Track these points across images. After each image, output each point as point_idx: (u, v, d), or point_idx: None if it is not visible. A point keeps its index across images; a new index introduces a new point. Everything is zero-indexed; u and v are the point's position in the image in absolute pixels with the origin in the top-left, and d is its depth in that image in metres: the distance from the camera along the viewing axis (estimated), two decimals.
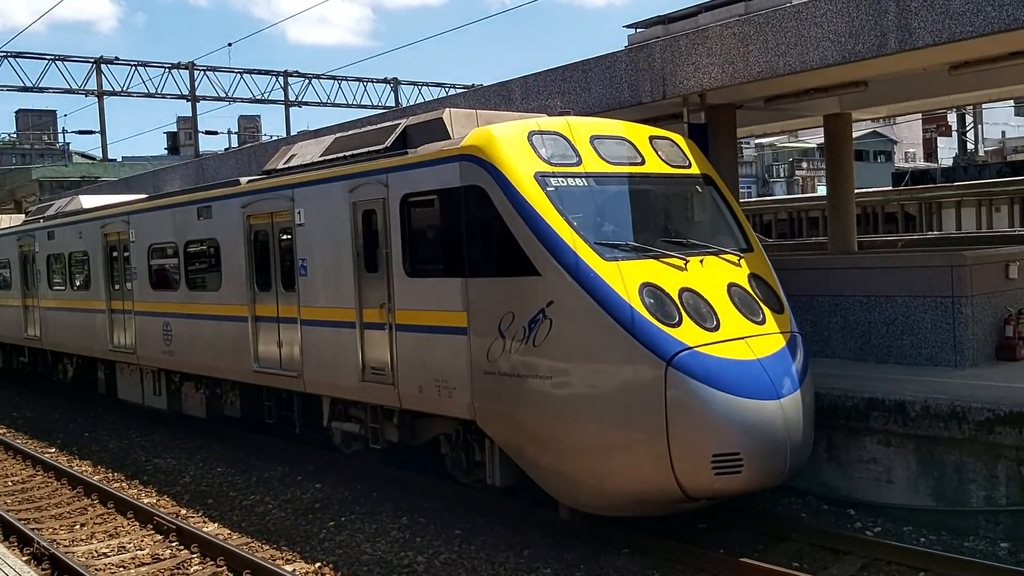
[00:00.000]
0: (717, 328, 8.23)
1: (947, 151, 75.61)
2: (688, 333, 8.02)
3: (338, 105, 39.24)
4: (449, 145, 9.41)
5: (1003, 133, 73.40)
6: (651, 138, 9.84)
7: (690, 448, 7.79)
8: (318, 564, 8.81)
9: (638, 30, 16.00)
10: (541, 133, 9.08)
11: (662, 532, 8.69)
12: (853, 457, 9.70)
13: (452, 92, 40.39)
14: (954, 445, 8.93)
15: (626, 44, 14.22)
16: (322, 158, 11.72)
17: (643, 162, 9.49)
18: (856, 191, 17.92)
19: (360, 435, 11.20)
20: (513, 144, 8.86)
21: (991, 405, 8.69)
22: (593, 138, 9.33)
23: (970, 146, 42.81)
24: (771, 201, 38.45)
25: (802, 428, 8.24)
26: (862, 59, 10.04)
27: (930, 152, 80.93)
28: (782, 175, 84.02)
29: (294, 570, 8.58)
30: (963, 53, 10.50)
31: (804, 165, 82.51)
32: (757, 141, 66.18)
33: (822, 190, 59.75)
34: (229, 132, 52.42)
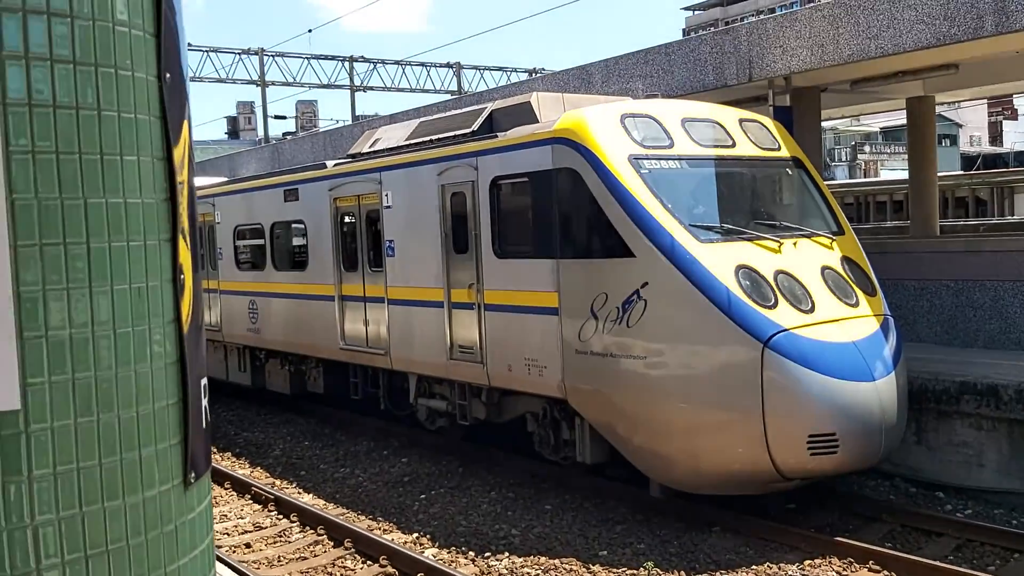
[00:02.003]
0: (812, 310, 8.31)
1: (1013, 135, 73.63)
2: (784, 315, 8.11)
3: (402, 90, 39.54)
4: (540, 128, 9.56)
5: None
6: (741, 121, 9.89)
7: (786, 428, 7.90)
8: (415, 535, 9.10)
9: (696, 12, 15.92)
10: (634, 116, 9.19)
11: (752, 511, 8.80)
12: (943, 440, 9.70)
13: (514, 76, 40.45)
14: None
15: (683, 27, 14.17)
16: (408, 142, 11.96)
17: (734, 145, 9.56)
18: None
19: (446, 412, 11.47)
20: (606, 127, 8.99)
21: None
22: (684, 121, 9.42)
23: None
24: (837, 185, 37.93)
25: (896, 410, 8.30)
26: (957, 42, 9.96)
27: (995, 136, 78.91)
28: (844, 159, 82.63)
29: (393, 540, 8.87)
30: None
31: (866, 149, 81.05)
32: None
33: (884, 174, 58.69)
34: (296, 116, 53.11)
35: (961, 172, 32.79)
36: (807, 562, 7.79)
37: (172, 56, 1.88)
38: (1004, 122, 78.65)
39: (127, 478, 1.60)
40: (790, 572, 7.58)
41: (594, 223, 8.85)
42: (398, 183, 11.53)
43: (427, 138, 11.54)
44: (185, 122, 1.97)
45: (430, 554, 8.57)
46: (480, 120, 10.80)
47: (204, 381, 1.92)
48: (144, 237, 1.74)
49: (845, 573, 7.59)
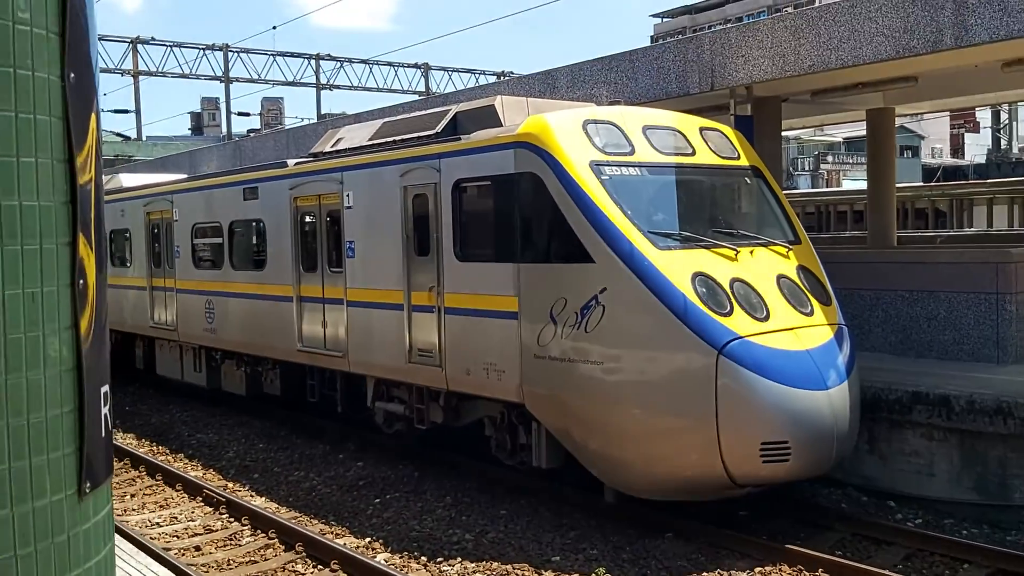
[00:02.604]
0: (767, 318, 8.36)
1: (973, 148, 74.92)
2: (739, 322, 8.15)
3: (369, 89, 39.41)
4: (504, 132, 9.54)
5: None
6: (701, 129, 9.94)
7: (739, 435, 7.93)
8: (368, 539, 9.02)
9: (664, 19, 16.03)
10: (596, 122, 9.20)
11: (705, 518, 8.83)
12: (895, 449, 9.80)
13: (482, 78, 40.47)
14: (999, 440, 9.01)
15: (651, 33, 14.26)
16: (371, 142, 11.87)
17: (694, 153, 9.60)
18: None
19: (403, 415, 11.39)
20: (569, 132, 8.98)
21: None
22: (645, 128, 9.45)
23: (1003, 143, 42.46)
24: (798, 194, 38.34)
25: (848, 419, 8.37)
26: (917, 55, 10.09)
27: (957, 148, 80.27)
28: (807, 168, 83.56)
29: (345, 544, 8.78)
30: (1019, 51, 10.52)
31: (829, 159, 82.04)
32: (783, 134, 65.85)
33: (847, 184, 59.45)
34: (260, 114, 52.76)
35: (921, 184, 33.28)
36: (758, 569, 7.83)
37: (78, 55, 1.81)
38: (966, 135, 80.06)
39: (16, 487, 1.53)
40: None
41: (554, 228, 8.84)
42: (360, 183, 11.44)
43: (390, 139, 11.46)
44: (93, 122, 1.90)
45: (382, 559, 8.49)
46: (444, 122, 10.75)
47: (105, 388, 1.85)
48: (40, 240, 1.67)
49: None
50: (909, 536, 8.56)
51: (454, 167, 9.91)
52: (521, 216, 9.15)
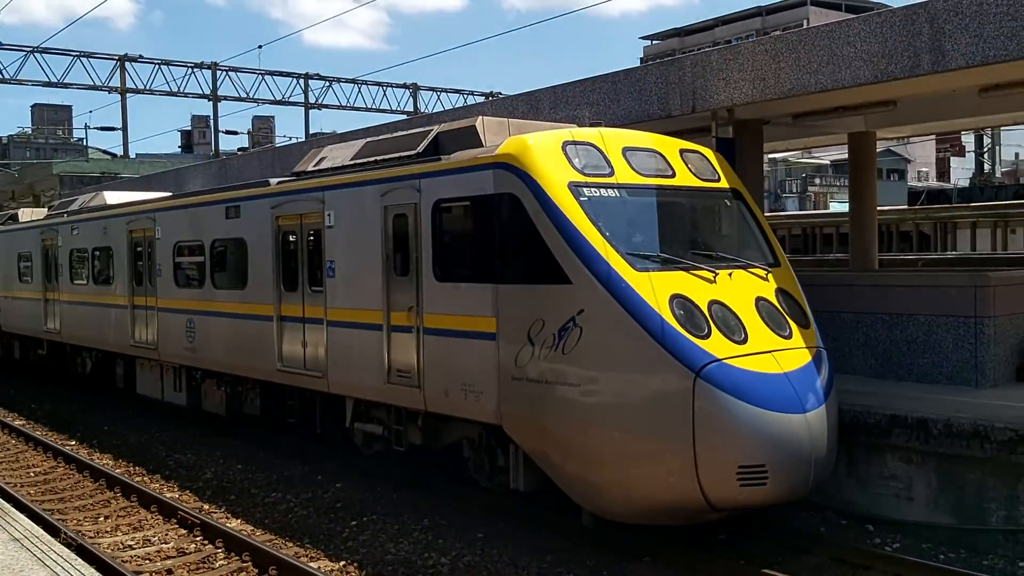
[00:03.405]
0: (745, 341, 8.33)
1: (959, 171, 75.54)
2: (717, 345, 8.12)
3: (357, 109, 39.50)
4: (483, 152, 9.53)
5: (1016, 155, 73.35)
6: (681, 151, 9.95)
7: (716, 459, 7.88)
8: (343, 563, 8.92)
9: (654, 42, 16.10)
10: (575, 143, 9.20)
11: (683, 541, 8.77)
12: (873, 473, 9.77)
13: (471, 99, 40.57)
14: (976, 464, 8.99)
15: (641, 56, 14.33)
16: (353, 161, 11.85)
17: (674, 175, 9.60)
18: None
19: (383, 436, 11.30)
20: (547, 153, 8.98)
21: (1014, 425, 8.76)
22: (625, 150, 9.45)
23: (987, 167, 42.80)
24: (785, 216, 38.50)
25: (826, 442, 8.33)
26: (894, 79, 10.14)
27: (943, 172, 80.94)
28: (795, 191, 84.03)
29: (319, 568, 8.68)
30: (995, 76, 10.60)
31: (817, 181, 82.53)
32: (771, 156, 66.26)
33: (834, 206, 59.79)
34: (249, 132, 52.76)
35: (905, 207, 33.49)
36: None
37: None
38: (952, 159, 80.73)
39: None
40: None
41: (532, 249, 8.81)
42: (341, 203, 11.41)
43: (372, 158, 11.44)
44: None
45: None
46: (425, 142, 10.74)
47: None
48: None
49: None
50: (886, 560, 8.50)
51: (434, 187, 9.89)
52: (500, 237, 9.12)
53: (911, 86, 10.76)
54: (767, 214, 42.20)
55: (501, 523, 9.82)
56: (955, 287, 11.12)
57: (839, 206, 53.42)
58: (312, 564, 8.82)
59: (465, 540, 9.40)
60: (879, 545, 9.09)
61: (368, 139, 12.23)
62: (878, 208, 22.25)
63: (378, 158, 11.27)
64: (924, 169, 78.68)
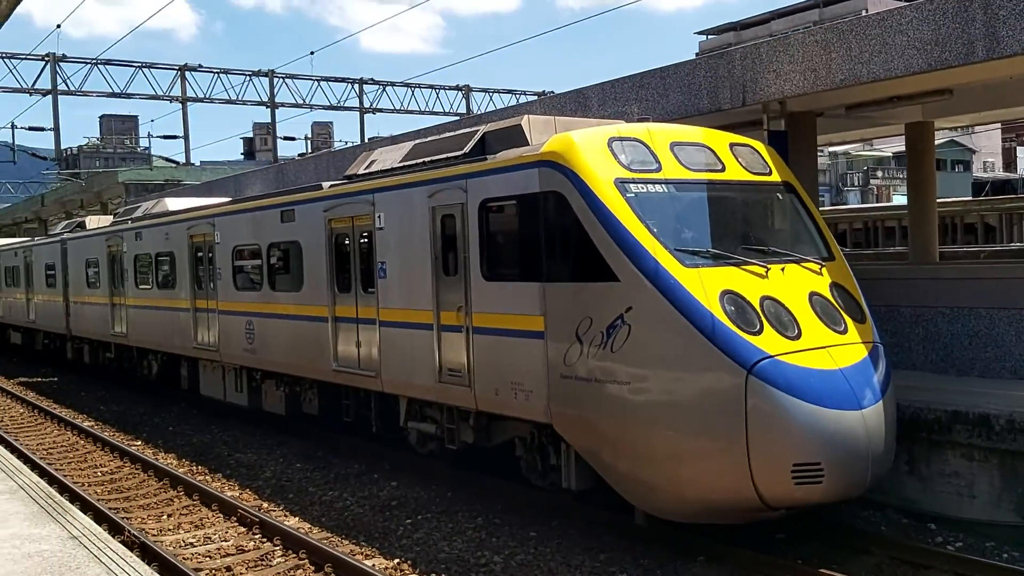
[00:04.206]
0: (798, 337, 8.20)
1: None
2: (769, 341, 8.00)
3: (411, 112, 39.79)
4: (528, 151, 9.54)
5: None
6: (731, 145, 9.83)
7: (770, 457, 7.77)
8: (397, 560, 9.00)
9: (709, 37, 15.90)
10: (621, 139, 9.15)
11: (739, 541, 8.66)
12: (935, 471, 9.55)
13: (523, 99, 40.58)
14: None
15: (697, 51, 14.16)
16: (402, 163, 11.96)
17: (723, 169, 9.49)
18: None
19: (436, 435, 11.39)
20: (593, 150, 8.95)
21: None
22: (673, 144, 9.37)
23: None
24: (846, 210, 37.79)
25: (884, 439, 8.16)
26: (948, 67, 9.89)
27: (1009, 162, 78.60)
28: (856, 184, 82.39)
29: (374, 565, 8.77)
30: None
31: (879, 174, 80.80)
32: (831, 149, 65.04)
33: (897, 199, 58.49)
34: (306, 138, 53.53)
35: (970, 198, 32.61)
36: None
37: None
38: (1018, 148, 78.38)
39: None
40: None
41: (579, 246, 8.79)
42: (391, 205, 11.52)
43: (420, 160, 11.54)
44: None
45: None
46: (472, 142, 10.79)
47: None
48: None
49: None
50: (948, 560, 8.30)
51: (480, 187, 9.92)
52: (546, 235, 9.12)
53: (966, 74, 10.48)
54: (828, 208, 41.50)
55: (554, 522, 9.81)
56: (1018, 279, 10.79)
57: (902, 199, 52.18)
58: (367, 562, 8.92)
59: (518, 539, 9.42)
60: (941, 544, 8.88)
61: (417, 141, 12.33)
62: (942, 200, 21.72)
63: (426, 159, 11.36)
64: (990, 160, 76.54)
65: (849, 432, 7.87)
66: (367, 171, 12.70)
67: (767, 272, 8.65)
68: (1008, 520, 8.95)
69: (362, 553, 9.33)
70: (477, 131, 10.95)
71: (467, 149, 10.71)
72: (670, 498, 8.46)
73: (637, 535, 9.14)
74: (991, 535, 8.93)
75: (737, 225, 9.56)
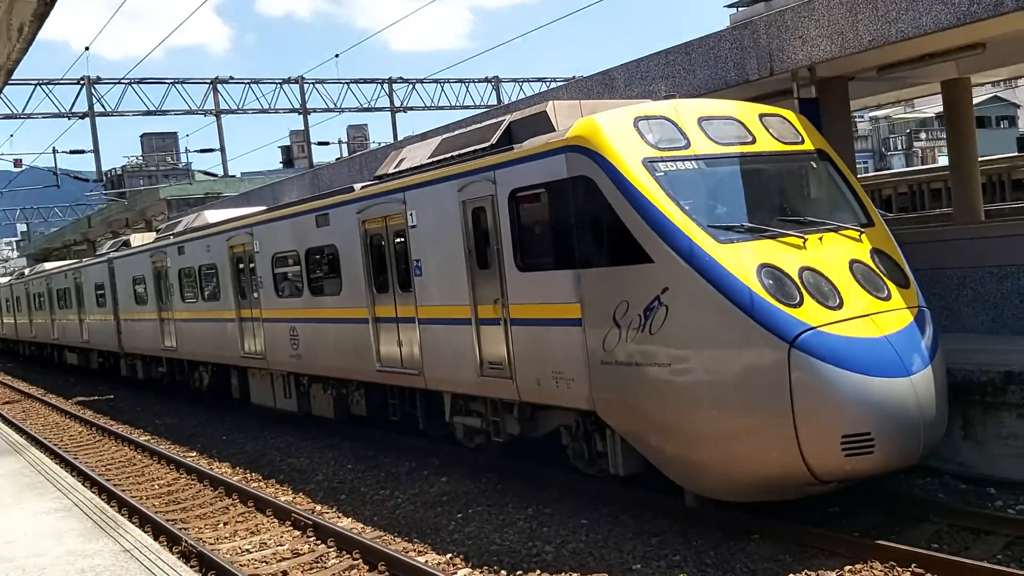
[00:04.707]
0: (840, 306, 8.04)
1: None
2: (810, 313, 7.86)
3: (442, 108, 39.84)
4: (554, 137, 9.47)
5: None
6: (761, 116, 9.66)
7: (818, 430, 7.64)
8: (449, 555, 9.03)
9: (739, 9, 15.62)
10: (647, 118, 9.03)
11: (793, 517, 8.53)
12: (991, 433, 9.31)
13: (553, 85, 40.40)
14: None
15: (728, 23, 13.93)
16: (431, 160, 11.96)
17: (754, 141, 9.33)
18: (980, 159, 17.11)
19: (482, 429, 11.39)
20: (619, 131, 8.85)
21: None
22: (701, 120, 9.23)
23: None
24: (889, 175, 37.02)
25: (935, 405, 7.98)
26: (978, 20, 9.59)
27: None
28: (899, 147, 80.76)
29: (427, 561, 8.80)
30: None
31: (922, 136, 79.10)
32: (872, 114, 63.80)
33: (943, 160, 57.22)
34: (340, 142, 53.90)
35: (1016, 154, 31.74)
36: (847, 567, 7.51)
37: None
38: None
39: None
40: None
41: (611, 230, 8.71)
42: (421, 202, 11.53)
43: (448, 155, 11.52)
44: None
45: (462, 574, 8.48)
46: (498, 133, 10.74)
47: None
48: None
49: None
50: (1009, 524, 8.10)
51: (509, 177, 9.88)
52: (577, 221, 9.05)
53: (998, 26, 10.15)
54: (870, 174, 40.72)
55: (604, 508, 9.76)
56: None
57: (947, 160, 50.99)
58: (420, 558, 8.95)
59: (569, 527, 9.39)
60: (1001, 508, 8.67)
61: (444, 136, 12.32)
62: (988, 157, 21.18)
63: (454, 153, 11.33)
64: None
65: (899, 400, 7.71)
66: (396, 170, 12.72)
67: (805, 242, 8.49)
68: None
69: (415, 550, 9.36)
70: (503, 121, 10.90)
71: (493, 140, 10.66)
72: (719, 478, 8.36)
73: (689, 517, 9.05)
74: None
75: (771, 197, 9.40)
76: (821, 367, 7.65)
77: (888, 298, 8.40)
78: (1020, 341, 10.46)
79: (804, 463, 7.73)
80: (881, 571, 7.40)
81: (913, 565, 7.33)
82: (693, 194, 8.63)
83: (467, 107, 39.69)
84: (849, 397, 7.62)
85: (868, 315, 8.11)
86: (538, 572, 8.27)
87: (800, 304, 7.92)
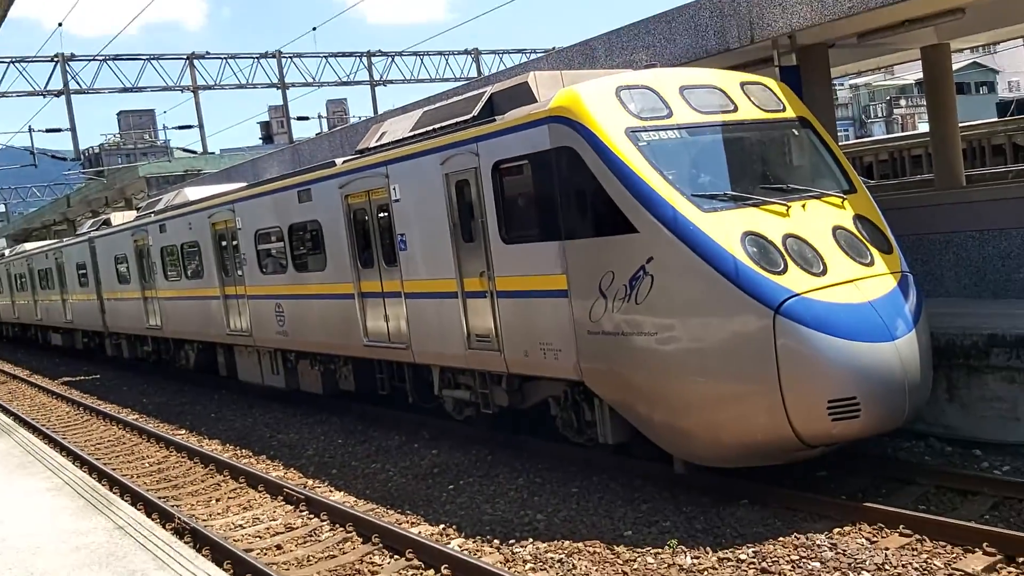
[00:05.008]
0: (824, 273, 8.11)
1: None
2: (795, 279, 7.92)
3: (421, 81, 39.57)
4: (536, 108, 9.44)
5: None
6: (742, 84, 9.66)
7: (804, 395, 7.73)
8: (442, 526, 9.10)
9: None
10: (629, 88, 9.02)
11: (781, 482, 8.65)
12: (975, 396, 9.44)
13: (533, 57, 40.18)
14: None
15: None
16: (412, 132, 11.90)
17: (736, 109, 9.34)
18: (960, 125, 17.19)
19: (471, 401, 11.45)
20: (601, 101, 8.84)
21: None
22: (683, 89, 9.23)
23: None
24: (870, 142, 37.16)
25: (919, 369, 8.07)
26: None
27: None
28: (880, 115, 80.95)
29: (420, 532, 8.88)
30: None
31: (902, 103, 79.29)
32: (852, 82, 63.87)
33: (923, 127, 57.39)
34: (320, 116, 53.51)
35: (996, 119, 31.90)
36: (836, 530, 7.63)
37: None
38: None
39: None
40: (818, 541, 7.42)
41: (595, 201, 8.72)
42: (404, 175, 11.49)
43: (430, 127, 11.47)
44: None
45: (455, 545, 8.55)
46: (480, 105, 10.70)
47: None
48: None
49: (875, 539, 7.41)
50: (995, 484, 8.24)
51: (491, 149, 9.86)
52: (561, 192, 9.05)
53: None
54: (851, 142, 40.84)
55: (594, 477, 9.86)
56: None
57: (927, 126, 51.21)
58: (412, 529, 9.03)
59: (560, 496, 9.48)
60: (987, 469, 8.81)
61: (425, 108, 12.26)
62: (967, 123, 21.25)
63: (436, 126, 11.28)
64: (1015, 79, 74.69)
65: (883, 364, 7.80)
66: (378, 143, 12.66)
67: (788, 210, 8.53)
68: None
69: (408, 521, 9.44)
70: (484, 92, 10.86)
71: (475, 112, 10.62)
72: (707, 444, 8.45)
73: (678, 483, 9.15)
74: None
75: (754, 165, 9.42)
76: (806, 333, 7.72)
77: (871, 264, 8.47)
78: (1002, 304, 10.58)
79: (791, 428, 7.83)
80: (869, 533, 7.52)
81: (901, 526, 7.46)
82: (676, 163, 8.65)
83: (447, 80, 39.46)
84: (834, 362, 7.70)
85: (852, 281, 8.18)
86: (530, 540, 8.36)
87: (784, 271, 7.98)
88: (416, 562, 8.20)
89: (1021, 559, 6.73)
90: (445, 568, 7.76)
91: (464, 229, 10.49)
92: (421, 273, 11.41)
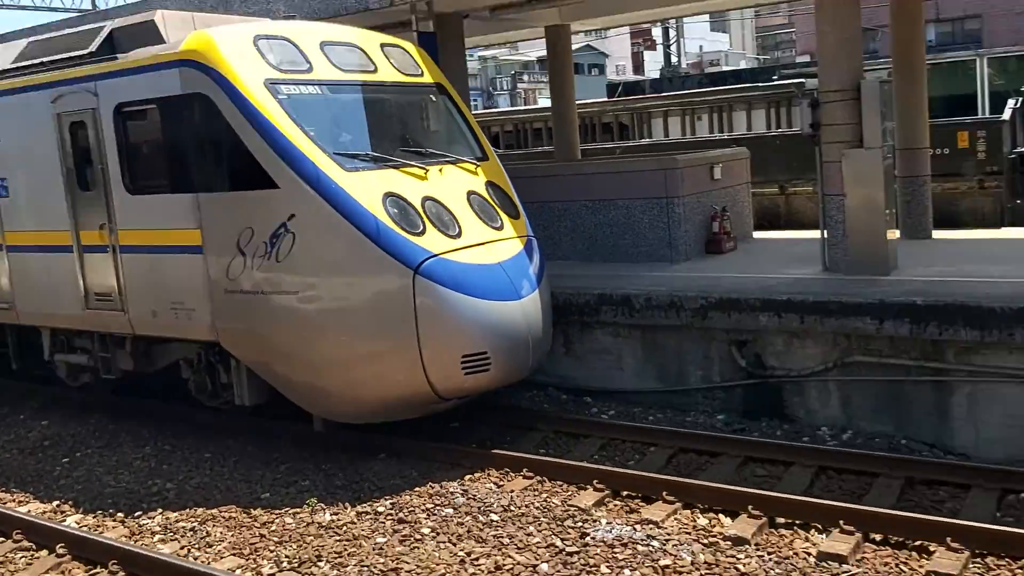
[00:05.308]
0: (459, 235, 8.45)
1: (652, 64, 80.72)
2: (433, 241, 8.17)
3: (24, 8, 34.98)
4: (165, 50, 8.78)
5: (700, 47, 79.48)
6: (382, 45, 9.72)
7: (441, 351, 8.03)
8: (56, 502, 8.29)
9: None
10: (268, 38, 8.69)
11: (416, 435, 8.94)
12: (587, 349, 10.44)
13: None
14: (673, 331, 9.85)
15: None
16: (14, 65, 10.52)
17: (376, 70, 9.38)
18: (576, 102, 18.70)
19: (88, 366, 10.48)
20: (238, 49, 8.42)
21: (704, 294, 9.63)
22: (323, 44, 9.08)
23: (674, 59, 45.97)
24: (497, 113, 39.26)
25: (542, 325, 8.73)
26: None
27: (638, 65, 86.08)
28: (505, 88, 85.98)
29: (30, 511, 8.01)
30: None
31: (525, 78, 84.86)
32: (480, 54, 67.09)
33: (543, 102, 61.89)
34: None
35: (605, 99, 35.26)
36: (467, 477, 8.05)
37: None
38: (645, 52, 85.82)
39: None
40: (451, 489, 7.78)
41: (233, 153, 8.32)
42: (5, 113, 10.14)
43: (38, 60, 10.19)
44: None
45: (72, 521, 7.84)
46: (99, 40, 9.68)
47: None
48: None
49: (502, 483, 7.93)
50: (603, 427, 9.18)
51: (113, 90, 9.01)
52: (195, 142, 8.52)
53: None
54: (481, 112, 42.88)
55: (230, 440, 9.50)
56: (647, 171, 11.90)
57: (547, 101, 55.27)
58: (21, 508, 8.14)
59: (192, 462, 9.03)
60: (596, 414, 9.77)
61: (33, 38, 10.88)
62: (581, 101, 23.20)
63: (45, 59, 10.05)
64: (621, 63, 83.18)
65: (511, 321, 8.32)
66: None
67: (427, 173, 8.76)
68: (651, 387, 10.07)
69: (14, 500, 8.48)
70: (103, 27, 9.85)
71: (93, 48, 9.60)
72: (347, 401, 8.50)
73: (318, 442, 9.11)
74: (639, 402, 9.99)
75: (394, 127, 9.54)
76: (443, 292, 8.01)
77: (501, 228, 8.97)
78: (610, 267, 11.76)
79: (428, 383, 8.11)
80: (497, 477, 8.04)
81: (524, 469, 8.06)
82: (317, 120, 8.50)
83: (55, 9, 35.25)
84: (468, 320, 8.08)
85: (484, 243, 8.61)
86: (159, 511, 7.87)
87: (423, 233, 8.20)
88: (26, 543, 7.40)
89: (625, 492, 7.59)
90: (61, 547, 7.11)
91: (80, 176, 9.50)
92: (28, 223, 10.18)
